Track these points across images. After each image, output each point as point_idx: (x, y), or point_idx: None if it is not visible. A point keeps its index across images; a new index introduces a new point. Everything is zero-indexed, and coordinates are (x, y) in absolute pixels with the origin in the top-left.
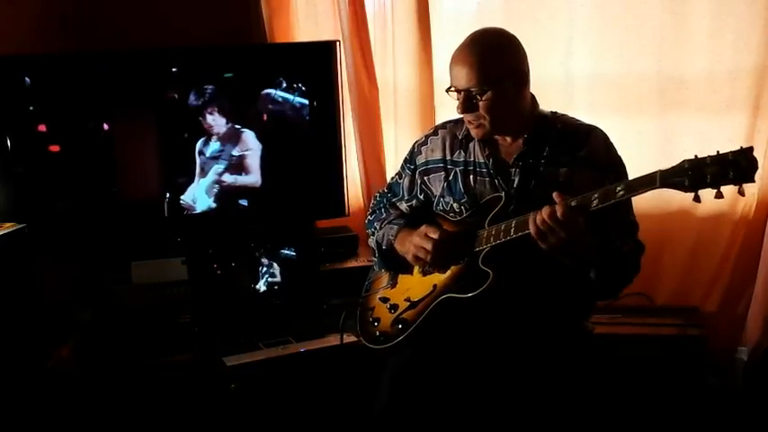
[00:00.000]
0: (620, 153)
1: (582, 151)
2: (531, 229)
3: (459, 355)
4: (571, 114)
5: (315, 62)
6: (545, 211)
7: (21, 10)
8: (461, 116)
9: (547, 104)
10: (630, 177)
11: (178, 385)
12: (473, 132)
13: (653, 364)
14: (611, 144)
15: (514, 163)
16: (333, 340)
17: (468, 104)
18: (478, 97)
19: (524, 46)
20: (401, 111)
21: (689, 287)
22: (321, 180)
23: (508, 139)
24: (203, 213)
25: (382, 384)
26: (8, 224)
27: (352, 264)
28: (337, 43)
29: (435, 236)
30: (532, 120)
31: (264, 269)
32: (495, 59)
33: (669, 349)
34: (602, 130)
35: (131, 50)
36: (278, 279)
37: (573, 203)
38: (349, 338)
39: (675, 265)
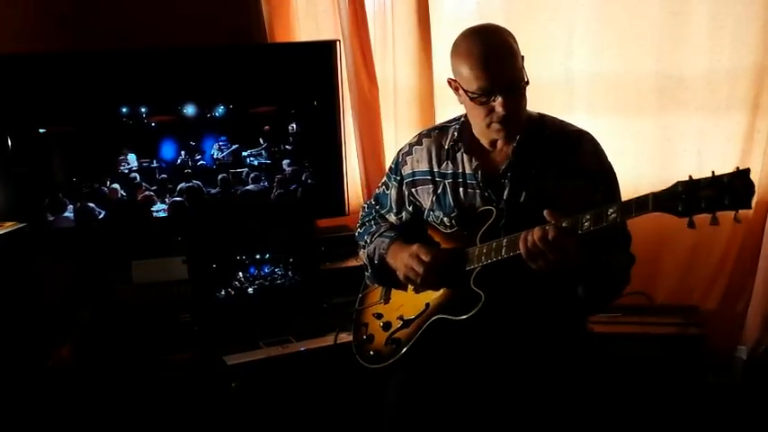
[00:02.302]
0: (617, 152)
1: (572, 160)
2: (522, 251)
3: (457, 367)
4: (571, 114)
5: (315, 62)
6: (536, 234)
7: (20, 10)
8: (486, 122)
9: (546, 104)
10: (623, 180)
11: (178, 384)
12: (501, 136)
13: (653, 364)
14: (602, 151)
15: (504, 174)
16: (333, 339)
17: (518, 99)
18: (521, 90)
19: (524, 46)
20: (401, 110)
21: (688, 286)
22: (321, 179)
23: (499, 144)
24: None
25: (389, 396)
26: (8, 224)
27: (352, 263)
28: (337, 43)
29: (427, 258)
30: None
31: (264, 268)
32: (516, 49)
33: (669, 348)
34: (591, 136)
35: (131, 50)
36: (278, 279)
37: (564, 224)
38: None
39: (675, 263)
